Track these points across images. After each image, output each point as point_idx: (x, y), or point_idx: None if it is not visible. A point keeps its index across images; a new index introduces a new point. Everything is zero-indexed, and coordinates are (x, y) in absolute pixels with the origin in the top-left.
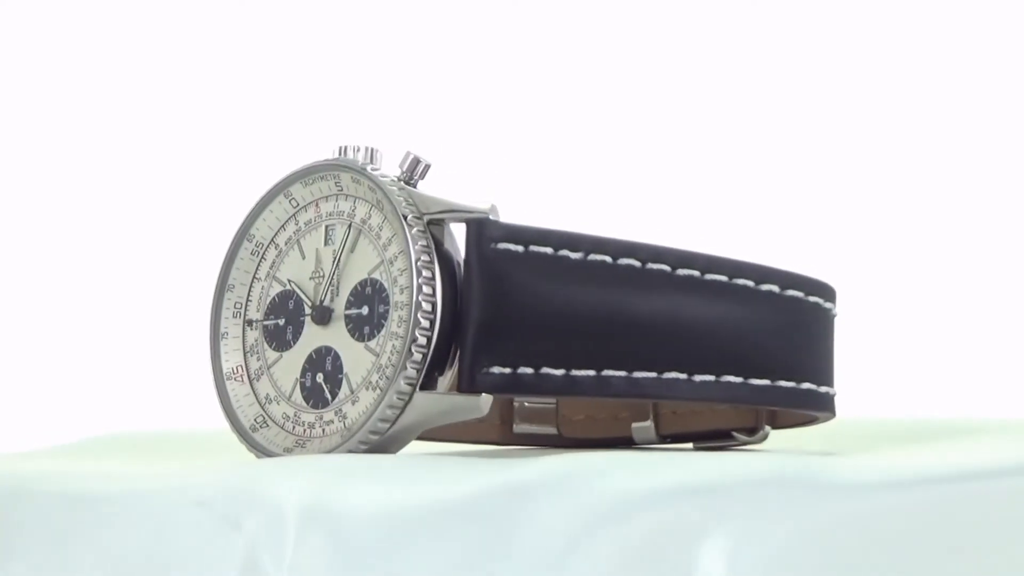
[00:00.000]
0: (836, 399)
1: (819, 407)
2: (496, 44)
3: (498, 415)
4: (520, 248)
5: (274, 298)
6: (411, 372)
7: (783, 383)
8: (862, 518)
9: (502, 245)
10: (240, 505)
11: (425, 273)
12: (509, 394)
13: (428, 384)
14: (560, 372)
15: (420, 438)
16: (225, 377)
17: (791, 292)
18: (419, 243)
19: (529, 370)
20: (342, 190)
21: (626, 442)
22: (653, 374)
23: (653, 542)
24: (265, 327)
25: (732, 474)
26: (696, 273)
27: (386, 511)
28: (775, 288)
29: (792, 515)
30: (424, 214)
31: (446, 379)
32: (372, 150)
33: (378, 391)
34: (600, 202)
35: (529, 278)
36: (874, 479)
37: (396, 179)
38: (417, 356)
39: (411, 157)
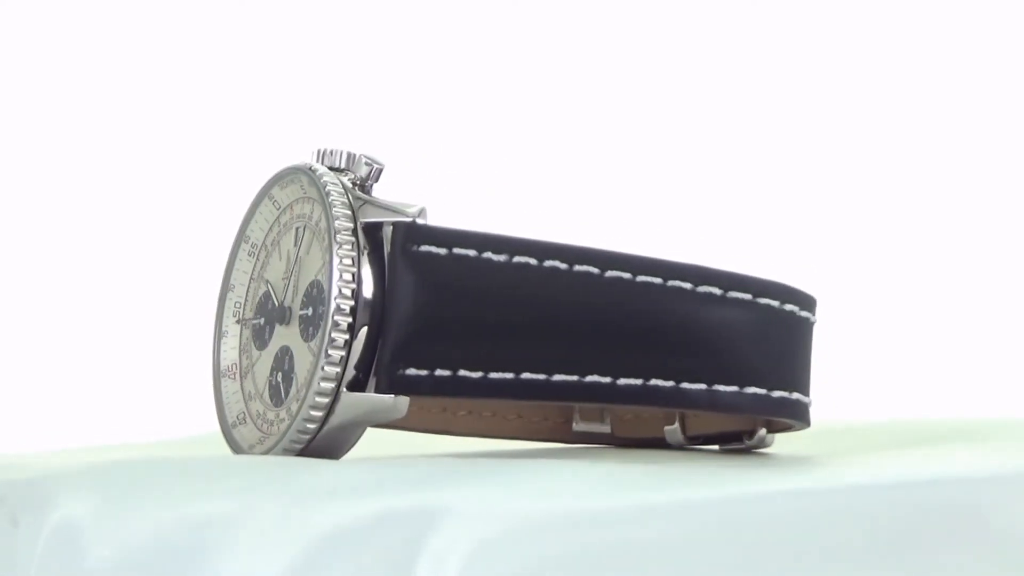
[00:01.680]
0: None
1: (756, 410)
2: (482, 48)
3: (560, 413)
4: (443, 251)
5: (260, 298)
6: (329, 373)
7: (721, 387)
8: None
9: (424, 248)
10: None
11: (345, 276)
12: (426, 396)
13: (358, 385)
14: (478, 374)
15: (476, 435)
16: (221, 374)
17: (735, 294)
18: (344, 247)
19: (446, 372)
20: (305, 193)
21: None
22: (574, 377)
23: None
24: (253, 326)
25: (635, 501)
26: (627, 275)
27: None
28: (715, 290)
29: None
30: (359, 218)
31: (373, 381)
32: (350, 154)
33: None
34: (590, 208)
35: (449, 281)
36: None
37: (351, 182)
38: (334, 357)
39: (363, 160)
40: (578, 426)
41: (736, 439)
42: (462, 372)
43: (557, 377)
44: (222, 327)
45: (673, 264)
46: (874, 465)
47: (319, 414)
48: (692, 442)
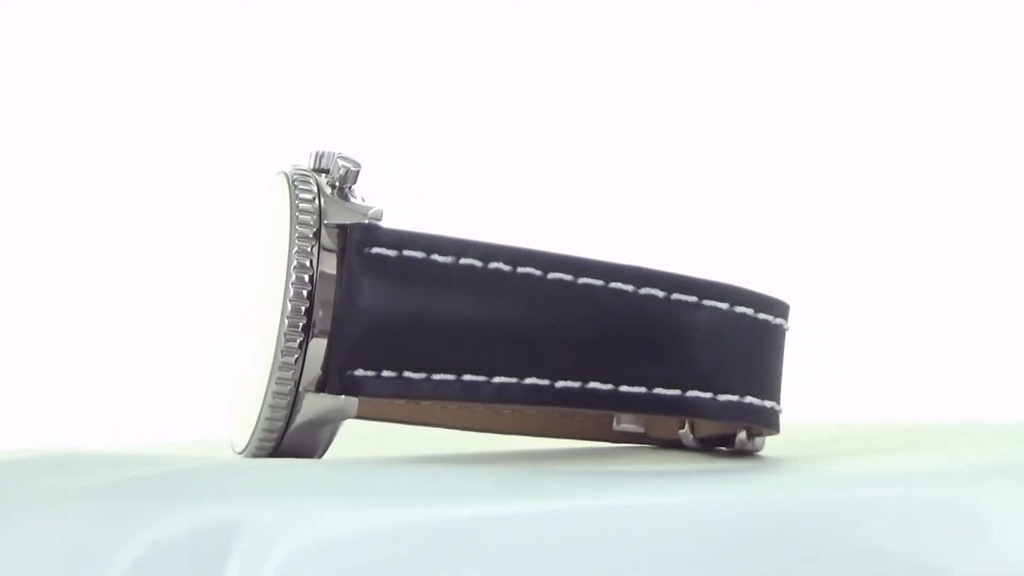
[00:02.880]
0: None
1: (692, 412)
2: (470, 54)
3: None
4: (393, 253)
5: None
6: (284, 375)
7: (662, 391)
8: None
9: (375, 250)
10: None
11: (300, 278)
12: (373, 396)
13: (323, 386)
14: (421, 376)
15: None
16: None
17: (677, 296)
18: (301, 250)
19: (392, 373)
20: (284, 196)
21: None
22: (514, 380)
23: None
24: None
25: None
26: (568, 277)
27: None
28: (657, 292)
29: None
30: (324, 220)
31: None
32: (328, 155)
33: None
34: (588, 209)
35: (396, 282)
36: None
37: (329, 184)
38: (289, 360)
39: (338, 161)
40: (618, 426)
41: (730, 442)
42: (407, 373)
43: (497, 379)
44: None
45: (616, 266)
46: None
47: (278, 415)
48: (703, 444)
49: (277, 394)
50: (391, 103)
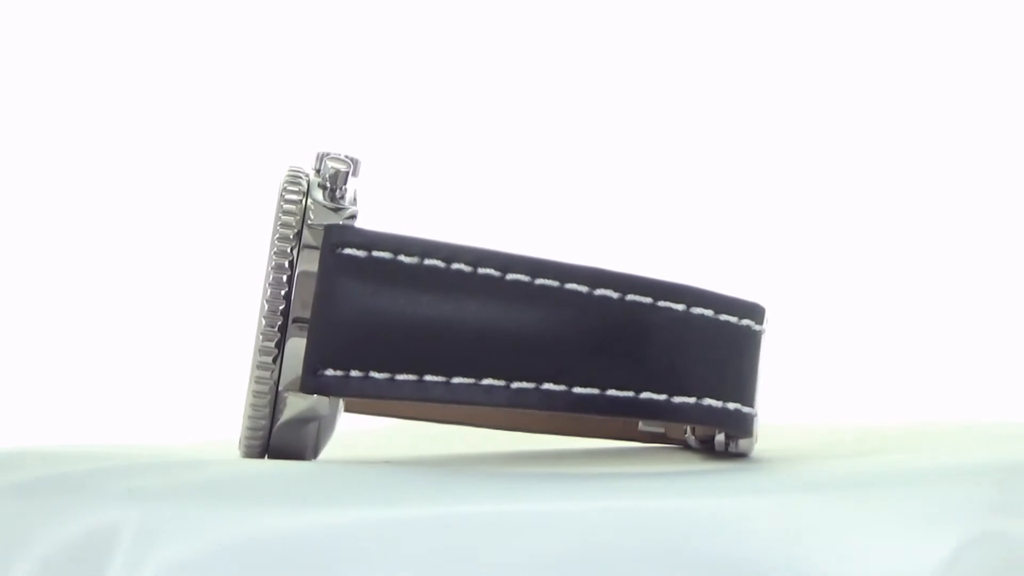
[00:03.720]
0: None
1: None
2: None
3: None
4: (362, 253)
5: None
6: (263, 374)
7: (615, 392)
8: None
9: (346, 251)
10: None
11: (281, 278)
12: (342, 396)
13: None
14: (384, 376)
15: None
16: None
17: (632, 297)
18: (283, 249)
19: (359, 373)
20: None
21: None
22: (470, 380)
23: None
24: None
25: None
26: (524, 278)
27: None
28: (612, 293)
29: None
30: (307, 220)
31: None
32: (322, 155)
33: None
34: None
35: (364, 282)
36: None
37: (320, 185)
38: (265, 359)
39: (327, 164)
40: (642, 426)
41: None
42: (372, 373)
43: (456, 379)
44: None
45: (572, 267)
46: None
47: (259, 413)
48: (704, 445)
49: (257, 393)
50: (391, 105)
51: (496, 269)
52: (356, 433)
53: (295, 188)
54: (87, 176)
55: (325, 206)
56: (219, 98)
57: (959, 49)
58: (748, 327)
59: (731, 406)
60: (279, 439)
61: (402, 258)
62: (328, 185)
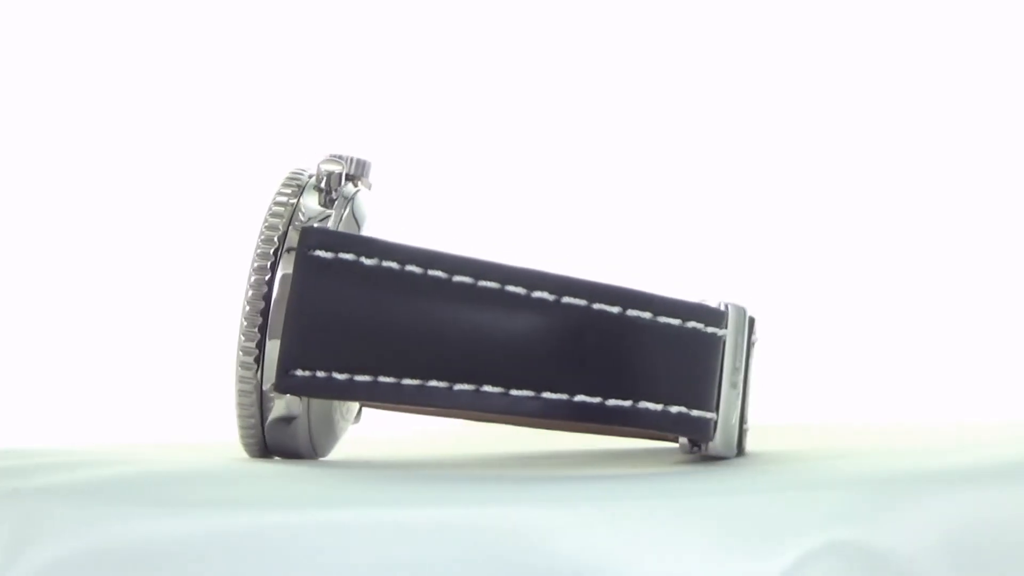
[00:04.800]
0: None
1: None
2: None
3: None
4: (330, 255)
5: None
6: (245, 374)
7: (581, 398)
8: None
9: (316, 252)
10: None
11: (262, 279)
12: (310, 396)
13: None
14: (344, 377)
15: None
16: None
17: (599, 305)
18: (265, 252)
19: (323, 374)
20: None
21: None
22: (435, 383)
23: None
24: None
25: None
26: (494, 285)
27: None
28: (578, 301)
29: None
30: (295, 222)
31: None
32: (325, 157)
33: None
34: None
35: (328, 284)
36: None
37: (316, 187)
38: (247, 359)
39: (320, 166)
40: None
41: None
42: (334, 374)
43: (405, 381)
44: None
45: (544, 275)
46: None
47: (246, 413)
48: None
49: (242, 393)
50: (399, 107)
51: (444, 271)
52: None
53: (287, 191)
54: (96, 179)
55: (311, 208)
56: (232, 99)
57: (953, 50)
58: (714, 334)
59: (695, 412)
60: (271, 438)
61: (363, 260)
62: (322, 187)
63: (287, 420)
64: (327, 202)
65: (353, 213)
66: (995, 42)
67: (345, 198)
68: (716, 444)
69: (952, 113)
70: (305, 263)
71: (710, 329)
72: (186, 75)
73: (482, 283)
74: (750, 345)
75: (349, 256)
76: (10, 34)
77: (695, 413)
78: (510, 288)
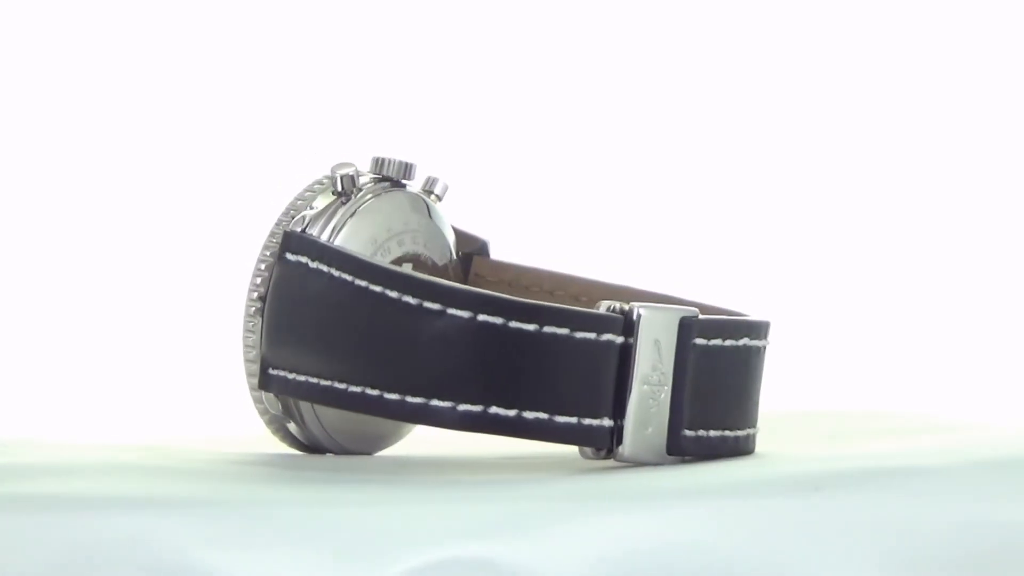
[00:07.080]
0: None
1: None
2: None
3: None
4: (307, 261)
5: None
6: (250, 368)
7: (496, 410)
8: None
9: (289, 255)
10: None
11: (258, 280)
12: (286, 395)
13: None
14: (294, 377)
15: None
16: None
17: (516, 323)
18: (266, 252)
19: (291, 375)
20: None
21: None
22: (374, 391)
23: None
24: None
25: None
26: (411, 300)
27: None
28: (494, 319)
29: None
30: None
31: None
32: (375, 160)
33: None
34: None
35: (291, 287)
36: None
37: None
38: (250, 354)
39: (335, 171)
40: None
41: None
42: (291, 375)
43: (351, 389)
44: None
45: (458, 289)
46: None
47: (262, 408)
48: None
49: (252, 387)
50: (395, 107)
51: (378, 285)
52: None
53: (308, 193)
54: (87, 176)
55: (313, 210)
56: (207, 98)
57: (954, 51)
58: (609, 342)
59: (586, 421)
60: (308, 434)
61: (320, 266)
62: (339, 189)
63: (281, 418)
64: (338, 205)
65: (358, 217)
66: (995, 42)
67: (356, 201)
68: (625, 450)
69: (953, 113)
70: (280, 267)
71: (604, 337)
72: (211, 79)
73: (426, 304)
74: (687, 348)
75: (310, 262)
76: (17, 36)
77: (586, 422)
78: (452, 311)
